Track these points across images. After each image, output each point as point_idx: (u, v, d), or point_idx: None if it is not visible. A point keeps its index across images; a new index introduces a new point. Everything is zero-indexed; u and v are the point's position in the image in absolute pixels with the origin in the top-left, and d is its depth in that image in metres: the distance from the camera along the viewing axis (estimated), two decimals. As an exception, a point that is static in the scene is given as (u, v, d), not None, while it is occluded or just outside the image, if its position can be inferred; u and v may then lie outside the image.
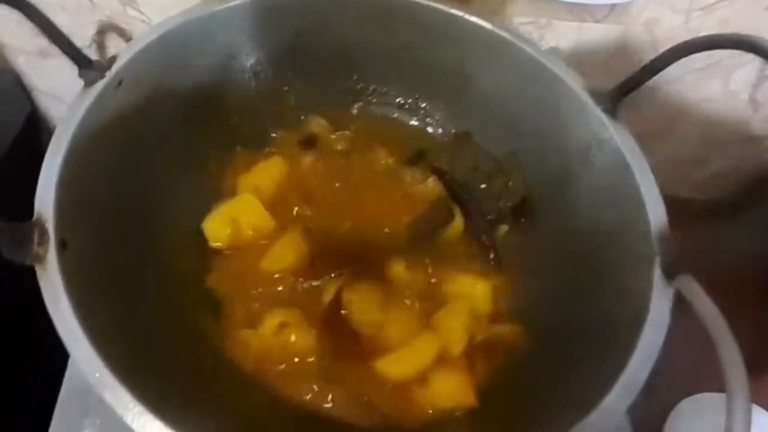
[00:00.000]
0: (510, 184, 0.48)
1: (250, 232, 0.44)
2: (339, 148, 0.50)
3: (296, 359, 0.39)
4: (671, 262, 0.33)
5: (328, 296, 0.41)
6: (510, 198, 0.48)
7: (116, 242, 0.35)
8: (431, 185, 0.48)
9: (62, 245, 0.30)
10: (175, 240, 0.41)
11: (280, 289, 0.42)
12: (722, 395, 0.51)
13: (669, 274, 0.33)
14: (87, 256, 0.32)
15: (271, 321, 0.40)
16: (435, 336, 0.40)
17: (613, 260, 0.38)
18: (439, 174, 0.49)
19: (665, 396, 0.59)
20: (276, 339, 0.39)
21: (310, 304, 0.41)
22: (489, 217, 0.48)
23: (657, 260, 0.34)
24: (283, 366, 0.39)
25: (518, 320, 0.42)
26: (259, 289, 0.42)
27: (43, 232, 0.30)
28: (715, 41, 0.35)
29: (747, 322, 0.65)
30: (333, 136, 0.51)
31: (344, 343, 0.40)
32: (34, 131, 0.66)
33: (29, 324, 0.43)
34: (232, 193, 0.46)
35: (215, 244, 0.44)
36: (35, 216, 0.31)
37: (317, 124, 0.51)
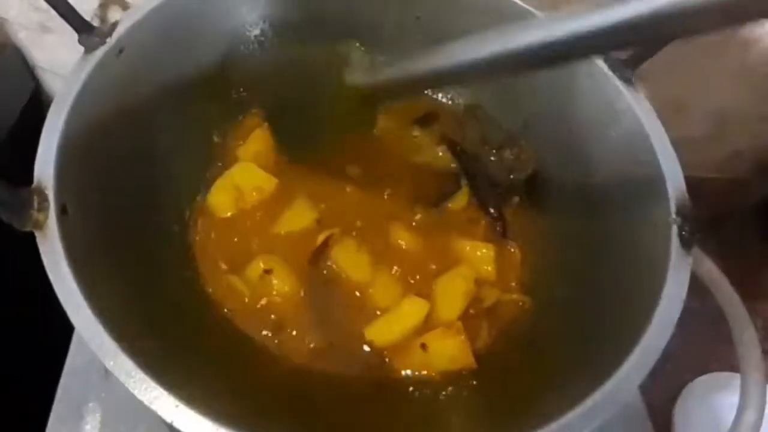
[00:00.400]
0: (522, 156, 0.47)
1: (254, 194, 0.44)
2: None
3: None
4: (690, 232, 0.32)
5: (314, 245, 0.42)
6: (521, 170, 0.47)
7: (118, 208, 0.35)
8: (440, 153, 0.47)
9: (63, 211, 0.30)
10: (178, 206, 0.41)
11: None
12: (734, 375, 0.51)
13: (687, 244, 0.32)
14: (88, 222, 0.31)
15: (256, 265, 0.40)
16: (422, 301, 0.40)
17: (630, 230, 0.37)
18: (450, 143, 0.48)
19: (676, 376, 0.58)
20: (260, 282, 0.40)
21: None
22: (499, 190, 0.47)
23: (675, 229, 0.33)
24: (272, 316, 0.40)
25: (531, 290, 0.42)
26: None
27: (43, 198, 0.29)
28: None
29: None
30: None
31: (329, 295, 0.41)
32: (38, 108, 0.66)
33: (32, 304, 0.43)
34: (235, 162, 0.45)
35: (222, 215, 0.43)
36: (35, 182, 0.30)
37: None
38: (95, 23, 0.58)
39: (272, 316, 0.40)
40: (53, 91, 0.69)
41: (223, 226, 0.43)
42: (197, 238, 0.42)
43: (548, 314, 0.39)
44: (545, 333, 0.38)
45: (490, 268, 0.42)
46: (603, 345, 0.32)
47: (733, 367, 0.53)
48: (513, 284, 0.43)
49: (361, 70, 0.40)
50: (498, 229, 0.45)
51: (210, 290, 0.40)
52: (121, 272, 0.32)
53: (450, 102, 0.52)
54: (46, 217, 0.29)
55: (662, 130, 0.37)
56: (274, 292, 0.40)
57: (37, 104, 0.66)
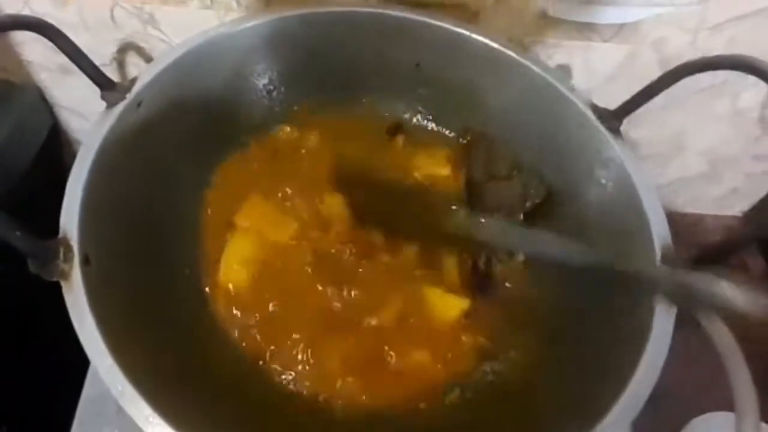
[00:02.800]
0: (532, 183, 0.48)
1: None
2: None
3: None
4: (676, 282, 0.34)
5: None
6: (535, 196, 0.48)
7: (138, 257, 0.37)
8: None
9: (86, 261, 0.32)
10: (197, 255, 0.43)
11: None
12: (732, 414, 0.52)
13: (672, 295, 0.34)
14: (110, 272, 0.33)
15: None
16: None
17: (618, 279, 0.38)
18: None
19: (675, 415, 0.59)
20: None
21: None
22: (514, 219, 0.48)
23: (660, 281, 0.35)
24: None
25: (514, 341, 0.43)
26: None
27: (68, 250, 0.31)
28: (714, 62, 0.36)
29: (758, 340, 0.65)
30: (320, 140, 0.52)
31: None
32: (56, 145, 0.68)
33: (48, 330, 0.45)
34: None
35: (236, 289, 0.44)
36: (60, 234, 0.32)
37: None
38: (113, 66, 0.63)
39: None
40: (71, 128, 0.72)
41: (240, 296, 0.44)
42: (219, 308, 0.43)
43: (541, 358, 0.41)
44: (537, 378, 0.40)
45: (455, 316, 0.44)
46: (587, 397, 0.33)
47: (733, 406, 0.54)
48: (488, 329, 0.44)
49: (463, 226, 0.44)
50: (483, 268, 0.47)
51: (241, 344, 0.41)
52: (141, 319, 0.34)
53: (453, 137, 0.54)
54: (71, 268, 0.31)
55: (650, 180, 0.39)
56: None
57: (56, 142, 0.69)
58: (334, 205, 0.47)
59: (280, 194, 0.48)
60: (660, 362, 0.32)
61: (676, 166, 0.71)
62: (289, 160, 0.50)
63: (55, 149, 0.67)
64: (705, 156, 0.70)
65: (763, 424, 0.49)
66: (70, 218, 0.33)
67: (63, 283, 0.30)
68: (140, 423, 0.27)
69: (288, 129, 0.52)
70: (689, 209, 0.76)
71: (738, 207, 0.77)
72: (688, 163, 0.71)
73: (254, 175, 0.49)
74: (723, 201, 0.76)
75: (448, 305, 0.45)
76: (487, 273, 0.47)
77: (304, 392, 0.40)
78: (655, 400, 0.33)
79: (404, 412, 0.41)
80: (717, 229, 0.76)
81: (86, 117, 0.69)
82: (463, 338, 0.44)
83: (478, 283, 0.47)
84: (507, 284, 0.47)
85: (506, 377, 0.42)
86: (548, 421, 0.36)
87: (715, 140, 0.68)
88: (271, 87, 0.51)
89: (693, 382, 0.59)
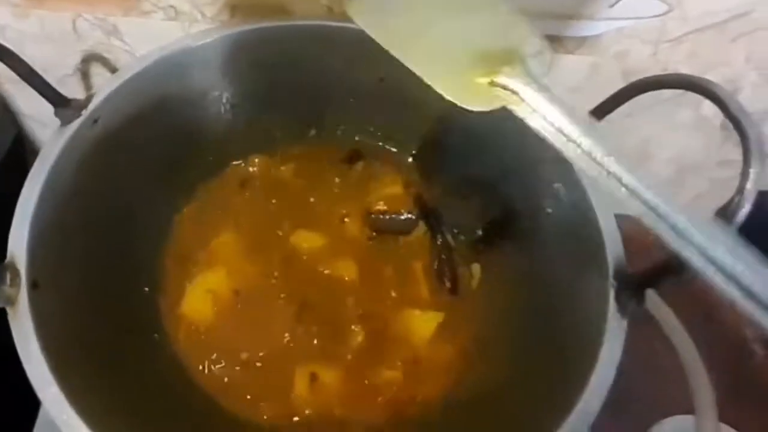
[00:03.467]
0: (487, 201, 0.49)
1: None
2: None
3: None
4: (629, 294, 0.35)
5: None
6: (491, 213, 0.49)
7: (93, 283, 0.36)
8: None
9: (34, 286, 0.31)
10: (158, 283, 0.42)
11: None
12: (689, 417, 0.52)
13: (623, 308, 0.34)
14: (59, 297, 0.33)
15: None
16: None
17: (574, 291, 0.39)
18: (414, 195, 0.51)
19: (638, 420, 0.60)
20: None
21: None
22: (474, 237, 0.49)
23: (612, 293, 0.35)
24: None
25: (475, 351, 0.43)
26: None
27: (15, 275, 0.31)
28: (662, 82, 0.37)
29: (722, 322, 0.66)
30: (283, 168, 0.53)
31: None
32: (20, 156, 0.67)
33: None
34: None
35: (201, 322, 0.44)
36: (7, 258, 0.32)
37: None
38: (77, 78, 0.62)
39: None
40: (36, 138, 0.71)
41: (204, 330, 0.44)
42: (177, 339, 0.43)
43: (493, 374, 0.41)
44: (488, 393, 0.40)
45: (429, 334, 0.44)
46: (544, 408, 0.33)
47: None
48: (460, 342, 0.45)
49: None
50: (448, 286, 0.47)
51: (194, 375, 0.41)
52: (93, 348, 0.33)
53: (409, 157, 0.55)
54: (18, 293, 0.30)
55: (604, 195, 0.40)
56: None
57: (20, 152, 0.67)
58: (304, 239, 0.47)
59: (251, 224, 0.48)
60: (610, 375, 0.32)
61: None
62: (260, 189, 0.51)
63: (18, 161, 0.66)
64: (671, 163, 0.71)
65: (723, 425, 0.51)
66: (18, 241, 0.32)
67: (8, 309, 0.30)
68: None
69: (257, 159, 0.52)
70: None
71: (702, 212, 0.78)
72: (654, 170, 0.72)
73: (223, 204, 0.49)
74: (689, 206, 0.77)
75: (424, 322, 0.45)
76: (453, 276, 0.48)
77: (267, 423, 0.40)
78: (618, 405, 0.33)
79: None
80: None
81: (51, 127, 0.68)
82: (440, 351, 0.44)
83: (447, 288, 0.47)
84: (469, 285, 0.48)
85: (476, 388, 0.42)
86: (515, 428, 0.36)
87: (681, 147, 0.69)
88: (235, 102, 0.50)
89: (657, 388, 0.60)
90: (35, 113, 0.68)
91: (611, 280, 0.35)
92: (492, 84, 0.32)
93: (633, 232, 0.37)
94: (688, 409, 0.58)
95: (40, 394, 0.28)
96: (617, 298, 0.35)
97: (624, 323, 0.34)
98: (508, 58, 0.32)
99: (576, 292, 0.38)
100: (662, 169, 0.72)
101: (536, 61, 0.32)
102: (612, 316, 0.34)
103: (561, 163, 0.42)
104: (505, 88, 0.32)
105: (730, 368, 0.65)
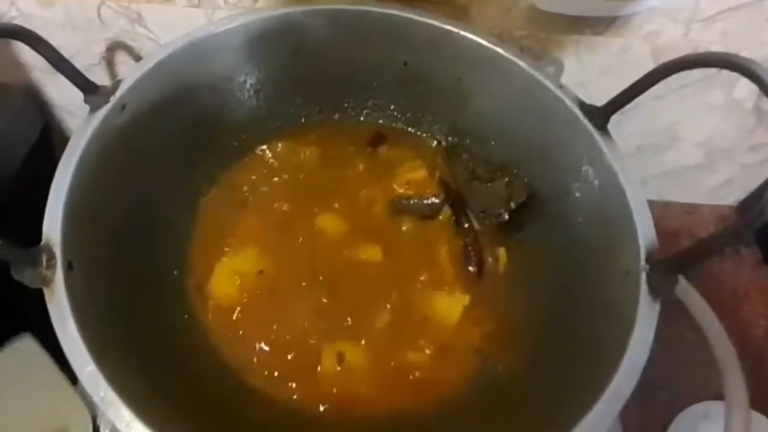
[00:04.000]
0: (514, 184, 0.48)
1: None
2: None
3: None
4: (662, 277, 0.34)
5: None
6: (518, 196, 0.48)
7: (125, 263, 0.37)
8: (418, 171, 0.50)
9: (69, 267, 0.32)
10: (187, 263, 0.43)
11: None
12: (720, 402, 0.52)
13: (655, 291, 0.34)
14: (93, 279, 0.33)
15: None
16: None
17: (603, 275, 0.38)
18: (439, 180, 0.51)
19: (667, 407, 0.59)
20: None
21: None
22: (501, 220, 0.48)
23: (644, 277, 0.35)
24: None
25: (503, 336, 0.43)
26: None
27: (51, 256, 0.32)
28: (700, 60, 0.35)
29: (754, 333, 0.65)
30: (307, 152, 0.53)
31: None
32: (48, 145, 0.68)
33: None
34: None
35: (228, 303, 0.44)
36: (43, 240, 0.32)
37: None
38: (102, 66, 0.63)
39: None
40: (64, 127, 0.72)
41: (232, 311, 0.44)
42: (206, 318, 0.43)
43: (522, 356, 0.41)
44: (519, 374, 0.40)
45: (455, 317, 0.44)
46: (574, 390, 0.33)
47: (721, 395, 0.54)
48: (486, 325, 0.44)
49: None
50: (474, 270, 0.47)
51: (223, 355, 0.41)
52: (126, 325, 0.34)
53: (434, 143, 0.54)
54: (54, 274, 0.31)
55: (635, 178, 0.39)
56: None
57: (48, 141, 0.69)
58: (329, 222, 0.48)
59: (276, 208, 0.48)
60: (643, 359, 0.32)
61: (671, 157, 0.71)
62: (284, 173, 0.51)
63: (46, 149, 0.67)
64: (701, 147, 0.69)
65: (754, 412, 0.50)
66: (52, 224, 0.33)
67: (45, 290, 0.31)
68: (122, 429, 0.27)
69: (281, 143, 0.52)
70: (684, 199, 0.76)
71: (733, 197, 0.77)
72: (683, 153, 0.70)
73: (249, 188, 0.50)
74: (718, 191, 0.76)
75: (450, 305, 0.45)
76: (479, 260, 0.48)
77: (296, 403, 0.41)
78: (645, 392, 0.33)
79: (408, 418, 0.41)
80: (712, 219, 0.76)
81: (79, 116, 0.69)
82: (467, 334, 0.44)
83: (472, 271, 0.47)
84: (495, 269, 0.48)
85: (502, 372, 0.42)
86: (539, 416, 0.36)
87: (711, 131, 0.67)
88: (258, 87, 0.50)
89: (683, 375, 0.59)
90: (63, 102, 0.69)
91: (643, 263, 0.35)
92: None
93: (658, 219, 0.37)
94: (714, 396, 0.58)
95: (78, 371, 0.28)
96: (649, 282, 0.34)
97: (656, 306, 0.33)
98: None
99: (606, 275, 0.38)
100: (691, 154, 0.70)
101: None
102: (644, 300, 0.34)
103: (590, 146, 0.42)
104: None
105: (758, 354, 0.64)
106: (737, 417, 0.44)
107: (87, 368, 0.28)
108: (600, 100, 0.44)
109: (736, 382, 0.46)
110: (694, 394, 0.60)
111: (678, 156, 0.71)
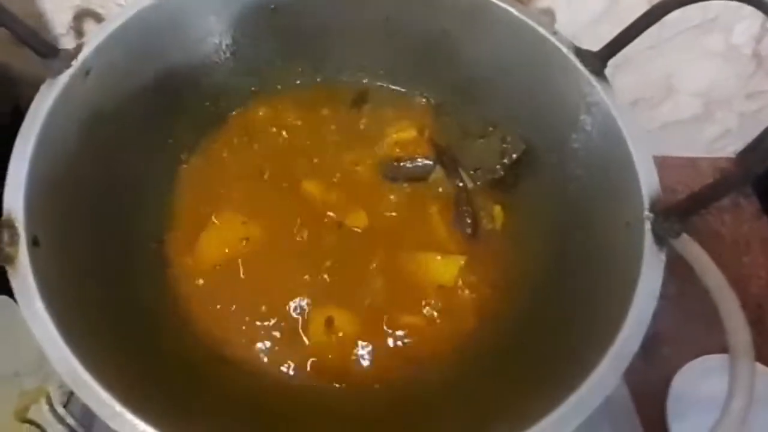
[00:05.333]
0: (508, 138, 0.46)
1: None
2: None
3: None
4: (667, 225, 0.32)
5: None
6: (513, 151, 0.46)
7: (96, 240, 0.35)
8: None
9: (34, 242, 0.30)
10: (151, 231, 0.41)
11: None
12: (726, 356, 0.51)
13: (660, 240, 0.32)
14: (63, 255, 0.31)
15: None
16: None
17: (606, 226, 0.37)
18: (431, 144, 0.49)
19: (668, 362, 0.58)
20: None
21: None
22: (497, 176, 0.46)
23: (648, 226, 0.33)
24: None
25: (505, 290, 0.42)
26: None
27: (14, 232, 0.29)
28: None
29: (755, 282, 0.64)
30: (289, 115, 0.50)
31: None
32: (19, 121, 0.65)
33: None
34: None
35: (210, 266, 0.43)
36: (4, 214, 0.30)
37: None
38: (70, 35, 0.60)
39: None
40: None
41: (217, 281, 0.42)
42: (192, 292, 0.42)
43: (526, 313, 0.39)
44: (522, 333, 0.38)
45: (450, 278, 0.43)
46: (578, 347, 0.32)
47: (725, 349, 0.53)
48: (483, 285, 0.43)
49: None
50: (468, 231, 0.45)
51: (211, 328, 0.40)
52: (98, 303, 0.32)
53: (424, 101, 0.52)
54: (17, 251, 0.29)
55: (636, 125, 0.37)
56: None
57: (19, 122, 0.65)
58: (315, 186, 0.46)
59: (258, 174, 0.46)
60: (650, 310, 0.30)
61: (667, 109, 0.69)
62: (266, 138, 0.49)
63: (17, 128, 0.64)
64: (697, 97, 0.67)
65: (758, 364, 0.49)
66: (14, 197, 0.30)
67: (8, 268, 0.28)
68: (96, 410, 0.25)
69: (261, 106, 0.50)
70: (681, 152, 0.74)
71: (731, 148, 0.75)
72: (679, 105, 0.68)
73: (229, 154, 0.47)
74: (716, 143, 0.74)
75: (445, 267, 0.43)
76: (473, 219, 0.46)
77: (285, 373, 0.39)
78: (647, 347, 0.31)
79: (403, 382, 0.40)
80: (710, 172, 0.74)
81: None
82: (462, 294, 0.43)
83: (467, 232, 0.45)
84: (491, 228, 0.46)
85: (502, 332, 0.41)
86: (542, 375, 0.34)
87: (708, 80, 0.65)
88: (234, 48, 0.48)
89: (685, 330, 0.59)
90: (34, 80, 0.65)
91: (647, 212, 0.33)
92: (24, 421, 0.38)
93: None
94: (717, 351, 0.57)
95: (48, 353, 0.27)
96: (654, 231, 0.33)
97: (662, 257, 0.32)
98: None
99: (609, 226, 0.36)
100: (688, 105, 0.68)
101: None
102: (649, 250, 0.32)
103: (588, 93, 0.39)
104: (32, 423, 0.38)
105: (759, 305, 0.63)
106: (743, 368, 0.43)
107: (56, 349, 0.27)
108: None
109: (740, 333, 0.45)
110: (697, 348, 0.59)
111: (674, 108, 0.69)
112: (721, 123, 0.71)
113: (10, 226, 0.29)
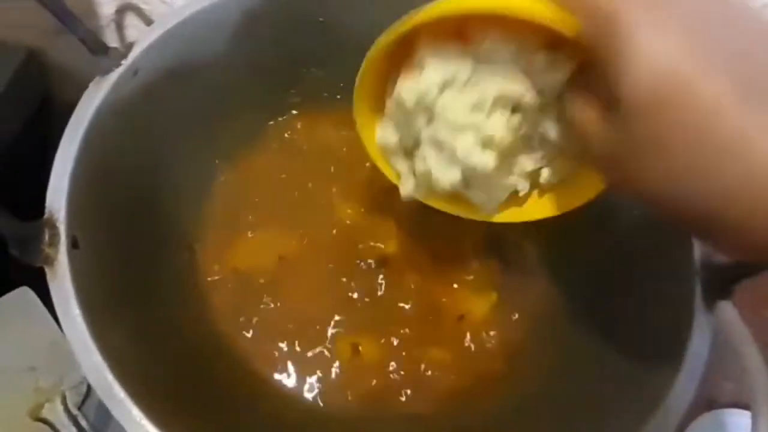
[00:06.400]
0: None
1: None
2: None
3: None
4: (714, 289, 0.31)
5: None
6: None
7: (131, 241, 0.34)
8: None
9: (74, 244, 0.29)
10: (193, 243, 0.40)
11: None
12: (740, 412, 0.49)
13: (710, 302, 0.31)
14: (97, 257, 0.30)
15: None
16: None
17: (652, 275, 0.35)
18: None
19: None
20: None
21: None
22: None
23: (699, 285, 0.32)
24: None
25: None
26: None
27: (55, 232, 0.29)
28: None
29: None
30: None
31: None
32: (48, 114, 0.65)
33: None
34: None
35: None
36: (46, 214, 0.29)
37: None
38: (111, 29, 0.59)
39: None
40: (65, 98, 0.68)
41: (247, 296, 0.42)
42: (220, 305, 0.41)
43: (554, 362, 0.38)
44: (548, 383, 0.37)
45: (481, 315, 0.42)
46: (619, 412, 0.30)
47: (737, 403, 0.52)
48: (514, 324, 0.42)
49: None
50: (500, 263, 0.45)
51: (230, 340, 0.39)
52: (132, 315, 0.31)
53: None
54: (57, 252, 0.28)
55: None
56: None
57: (48, 110, 0.65)
58: (349, 207, 0.45)
59: (295, 189, 0.45)
60: (696, 378, 0.29)
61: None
62: (304, 152, 0.48)
63: (46, 120, 0.64)
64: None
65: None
66: (57, 197, 0.30)
67: (47, 270, 0.28)
68: (126, 425, 0.24)
69: (300, 117, 0.49)
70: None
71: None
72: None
73: (269, 166, 0.47)
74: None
75: (476, 302, 0.43)
76: (507, 253, 0.45)
77: (318, 401, 0.39)
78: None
79: (427, 416, 0.39)
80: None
81: (83, 86, 0.65)
82: (491, 333, 0.42)
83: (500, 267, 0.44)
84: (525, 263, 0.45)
85: (530, 377, 0.40)
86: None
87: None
88: (280, 58, 0.47)
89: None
90: (67, 70, 0.65)
91: (698, 268, 0.32)
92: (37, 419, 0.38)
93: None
94: (728, 403, 0.56)
95: (82, 361, 0.26)
96: (704, 290, 0.31)
97: (712, 318, 0.31)
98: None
99: (654, 275, 0.35)
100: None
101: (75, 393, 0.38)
102: (699, 309, 0.31)
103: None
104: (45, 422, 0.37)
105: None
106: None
107: (92, 358, 0.26)
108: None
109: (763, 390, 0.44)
110: (707, 401, 0.58)
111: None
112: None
113: (52, 226, 0.29)
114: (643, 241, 0.37)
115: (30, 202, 0.30)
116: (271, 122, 0.49)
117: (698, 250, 0.33)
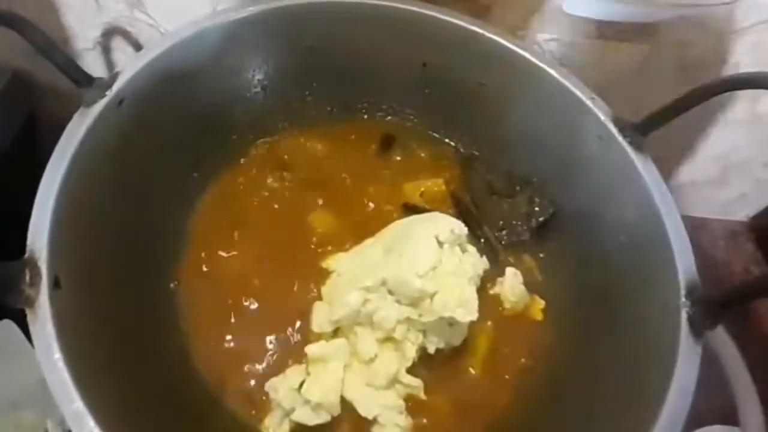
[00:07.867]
0: (536, 200, 0.46)
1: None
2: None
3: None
4: (705, 316, 0.31)
5: None
6: (540, 214, 0.45)
7: (115, 277, 0.33)
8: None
9: (56, 284, 0.29)
10: (169, 271, 0.39)
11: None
12: (729, 428, 0.49)
13: (697, 331, 0.31)
14: (79, 297, 0.30)
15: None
16: None
17: (640, 307, 0.36)
18: (454, 199, 0.48)
19: None
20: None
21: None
22: (523, 238, 0.45)
23: (684, 314, 0.32)
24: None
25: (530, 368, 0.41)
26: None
27: (36, 272, 0.28)
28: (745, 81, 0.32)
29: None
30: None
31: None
32: (33, 134, 0.64)
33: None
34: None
35: None
36: (27, 253, 0.29)
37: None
38: (97, 51, 0.59)
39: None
40: (50, 117, 0.67)
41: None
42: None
43: (545, 396, 0.38)
44: (542, 416, 0.37)
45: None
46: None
47: (728, 418, 0.52)
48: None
49: None
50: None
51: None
52: (116, 355, 0.31)
53: (450, 149, 0.51)
54: (38, 293, 0.28)
55: (672, 203, 0.36)
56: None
57: (32, 130, 0.64)
58: (329, 228, 0.45)
59: (277, 212, 0.45)
60: (685, 409, 0.29)
61: (687, 170, 0.69)
62: (291, 173, 0.48)
63: (31, 140, 0.63)
64: (717, 160, 0.67)
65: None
66: (38, 236, 0.29)
67: (28, 312, 0.27)
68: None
69: (287, 140, 0.49)
70: (694, 212, 0.74)
71: (744, 212, 0.75)
72: (698, 166, 0.68)
73: (251, 187, 0.46)
74: (729, 206, 0.74)
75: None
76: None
77: None
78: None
79: None
80: (722, 234, 0.74)
81: (69, 105, 0.64)
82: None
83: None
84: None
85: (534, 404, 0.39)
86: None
87: (729, 145, 0.65)
88: (266, 83, 0.47)
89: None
90: (52, 89, 0.64)
91: (683, 300, 0.32)
92: None
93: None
94: (718, 419, 0.56)
95: (63, 408, 0.25)
96: (690, 321, 0.31)
97: (698, 350, 0.31)
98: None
99: (642, 307, 0.35)
100: (707, 167, 0.68)
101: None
102: (685, 340, 0.31)
103: (624, 165, 0.39)
104: None
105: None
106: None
107: (73, 406, 0.25)
108: (619, 110, 0.41)
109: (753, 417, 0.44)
110: (694, 418, 0.58)
111: (692, 169, 0.69)
112: (737, 187, 0.71)
113: (33, 265, 0.28)
114: (627, 273, 0.38)
115: (17, 223, 0.30)
116: (258, 143, 0.48)
117: (683, 279, 0.33)
